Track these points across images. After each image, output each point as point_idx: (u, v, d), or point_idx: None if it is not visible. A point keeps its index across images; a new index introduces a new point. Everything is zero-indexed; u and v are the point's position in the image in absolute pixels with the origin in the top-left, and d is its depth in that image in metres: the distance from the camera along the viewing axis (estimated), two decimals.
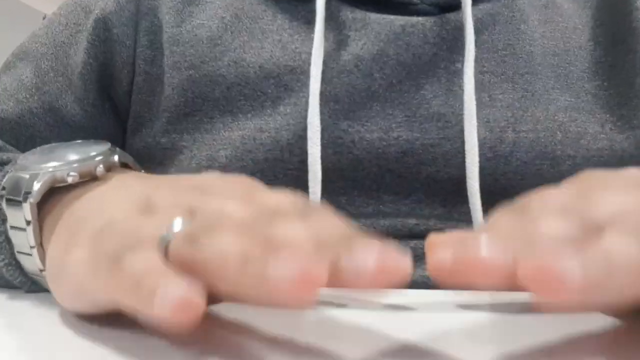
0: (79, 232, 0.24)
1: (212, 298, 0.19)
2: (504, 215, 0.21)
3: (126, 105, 0.45)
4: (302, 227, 0.19)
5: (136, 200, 0.24)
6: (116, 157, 0.30)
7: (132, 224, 0.22)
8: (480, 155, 0.39)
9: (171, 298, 0.17)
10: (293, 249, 0.17)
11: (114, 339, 0.22)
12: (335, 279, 0.17)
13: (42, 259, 0.27)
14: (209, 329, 0.22)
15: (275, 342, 0.21)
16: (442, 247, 0.18)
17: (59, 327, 0.24)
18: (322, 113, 0.39)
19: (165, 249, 0.20)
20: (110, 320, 0.23)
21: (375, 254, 0.17)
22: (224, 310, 0.24)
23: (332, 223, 0.21)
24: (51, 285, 0.25)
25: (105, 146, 0.30)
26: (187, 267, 0.19)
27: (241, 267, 0.17)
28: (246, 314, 0.24)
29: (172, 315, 0.17)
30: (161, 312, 0.17)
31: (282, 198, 0.22)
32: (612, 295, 0.17)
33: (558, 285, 0.15)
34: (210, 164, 0.41)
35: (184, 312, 0.17)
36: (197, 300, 0.17)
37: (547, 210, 0.20)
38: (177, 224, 0.20)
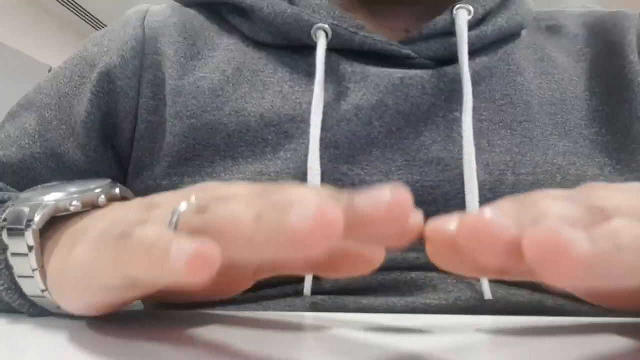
0: (80, 236, 0.24)
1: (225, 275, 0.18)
2: (505, 202, 0.21)
3: (128, 151, 0.46)
4: (309, 191, 0.19)
5: (139, 203, 0.24)
6: (117, 190, 0.31)
7: (137, 214, 0.22)
8: (480, 196, 0.39)
9: (186, 252, 0.16)
10: (306, 197, 0.17)
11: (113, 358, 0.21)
12: (352, 220, 0.16)
13: (44, 279, 0.27)
14: (202, 351, 0.22)
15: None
16: (444, 222, 0.18)
17: (57, 351, 0.23)
18: (322, 158, 0.40)
19: (175, 225, 0.20)
20: (110, 343, 0.23)
21: (387, 191, 0.17)
22: (217, 334, 0.24)
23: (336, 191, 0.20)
24: (54, 291, 0.25)
25: (105, 181, 0.31)
26: (199, 234, 0.18)
27: (255, 223, 0.17)
28: (243, 334, 0.23)
29: (187, 269, 0.16)
30: (176, 267, 0.16)
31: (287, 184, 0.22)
32: (619, 276, 0.16)
33: (564, 257, 0.15)
34: None
35: (199, 265, 0.16)
36: (212, 252, 0.16)
37: (551, 196, 0.20)
38: (184, 204, 0.20)
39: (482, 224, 0.17)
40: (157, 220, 0.20)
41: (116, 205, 0.28)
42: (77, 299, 0.24)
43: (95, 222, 0.25)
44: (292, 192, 0.19)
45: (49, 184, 0.32)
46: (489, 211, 0.17)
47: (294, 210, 0.16)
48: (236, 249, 0.18)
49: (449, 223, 0.18)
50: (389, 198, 0.17)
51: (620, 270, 0.16)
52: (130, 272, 0.19)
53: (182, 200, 0.21)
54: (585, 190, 0.21)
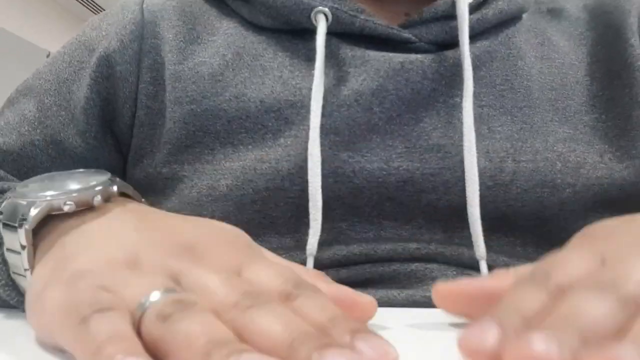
0: (61, 270, 0.24)
1: None
2: (524, 286, 0.21)
3: (128, 138, 0.46)
4: (279, 316, 0.19)
5: (124, 252, 0.24)
6: (115, 188, 0.31)
7: (112, 280, 0.22)
8: (481, 183, 0.39)
9: None
10: (257, 356, 0.17)
11: None
12: None
13: None
14: None
15: None
16: (479, 334, 0.18)
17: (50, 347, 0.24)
18: (322, 144, 0.40)
19: (139, 319, 0.20)
20: None
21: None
22: None
23: (318, 305, 0.21)
24: (27, 312, 0.25)
25: (105, 176, 0.31)
26: (155, 344, 0.19)
27: (206, 354, 0.18)
28: None
29: None
30: None
31: (272, 273, 0.22)
32: None
33: None
34: (211, 193, 0.41)
35: None
36: None
37: (582, 288, 0.19)
38: (155, 296, 0.21)
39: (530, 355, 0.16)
40: (123, 305, 0.21)
41: (107, 232, 0.28)
42: (42, 336, 0.25)
43: (79, 256, 0.25)
44: (262, 319, 0.19)
45: (50, 174, 0.32)
46: (537, 340, 0.16)
47: None
48: None
49: (484, 336, 0.17)
50: None
51: None
52: (76, 354, 0.20)
53: (161, 277, 0.22)
54: (602, 254, 0.21)
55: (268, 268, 0.23)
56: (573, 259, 0.21)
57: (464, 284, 0.26)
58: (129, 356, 0.18)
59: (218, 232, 0.27)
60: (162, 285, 0.21)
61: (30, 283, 0.26)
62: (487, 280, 0.26)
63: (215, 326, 0.19)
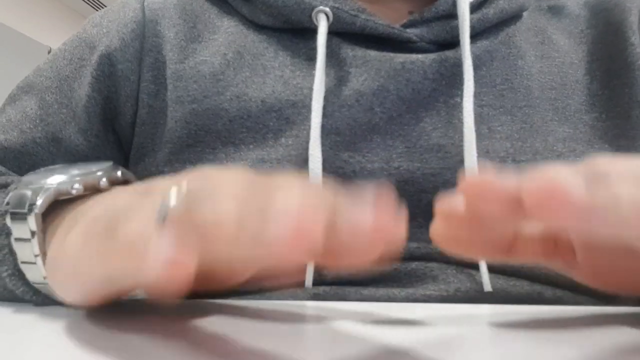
0: (78, 221, 0.24)
1: (210, 280, 0.19)
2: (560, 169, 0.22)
3: (129, 137, 0.46)
4: (299, 195, 0.19)
5: (138, 187, 0.24)
6: (119, 172, 0.31)
7: (129, 203, 0.22)
8: None
9: (162, 258, 0.17)
10: (290, 206, 0.17)
11: (115, 350, 0.21)
12: (333, 237, 0.17)
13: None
14: (205, 341, 0.22)
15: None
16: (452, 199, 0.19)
17: (61, 341, 0.24)
18: (323, 145, 0.40)
19: (163, 219, 0.20)
20: (111, 331, 0.23)
21: (371, 214, 0.17)
22: (219, 323, 0.24)
23: (331, 193, 0.20)
24: (51, 277, 0.25)
25: (107, 164, 0.31)
26: (184, 232, 0.18)
27: (238, 227, 0.17)
28: (244, 327, 0.24)
29: (162, 274, 0.17)
30: (152, 271, 0.17)
31: (278, 176, 0.22)
32: (615, 225, 0.17)
33: (563, 202, 0.15)
34: None
35: (174, 272, 0.17)
36: (188, 260, 0.17)
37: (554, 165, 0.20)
38: (174, 195, 0.20)
39: (485, 183, 0.18)
40: (145, 212, 0.20)
41: (115, 190, 0.28)
42: (69, 290, 0.24)
43: (90, 208, 0.25)
44: (282, 197, 0.19)
45: (52, 166, 0.32)
46: (491, 172, 0.18)
47: (274, 222, 0.16)
48: (217, 252, 0.18)
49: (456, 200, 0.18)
50: (370, 222, 0.17)
51: (616, 220, 0.16)
52: (110, 270, 0.20)
53: (176, 187, 0.21)
54: (590, 162, 0.21)
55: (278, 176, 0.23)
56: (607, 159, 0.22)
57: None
58: (161, 245, 0.17)
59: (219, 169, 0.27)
60: (178, 189, 0.21)
61: (49, 250, 0.26)
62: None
63: (242, 203, 0.18)
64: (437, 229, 0.23)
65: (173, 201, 0.20)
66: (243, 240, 0.17)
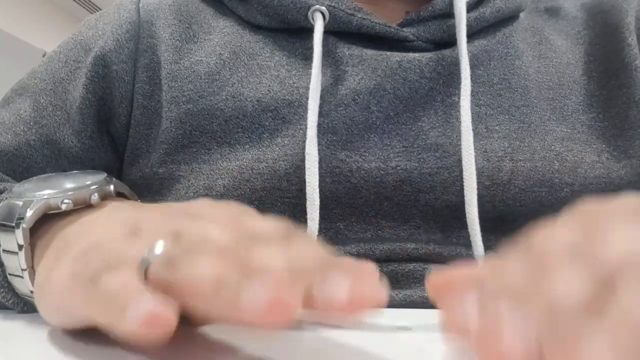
0: (66, 252, 0.24)
1: (191, 319, 0.19)
2: (510, 259, 0.20)
3: (123, 138, 0.46)
4: (280, 253, 0.19)
5: (125, 223, 0.24)
6: (111, 187, 0.30)
7: (115, 246, 0.22)
8: (479, 183, 0.39)
9: (141, 313, 0.17)
10: (267, 275, 0.17)
11: (114, 349, 0.22)
12: (310, 306, 0.17)
13: (33, 281, 0.27)
14: (195, 350, 0.22)
15: None
16: (457, 312, 0.17)
17: (49, 347, 0.24)
18: (319, 144, 0.39)
19: (145, 272, 0.20)
20: (98, 339, 0.23)
21: (348, 283, 0.17)
22: (211, 331, 0.24)
23: (312, 249, 0.21)
24: (37, 302, 0.25)
25: (101, 176, 0.31)
26: (164, 289, 0.19)
27: (215, 290, 0.18)
28: (235, 336, 0.23)
29: (141, 329, 0.17)
30: (131, 326, 0.17)
31: (266, 224, 0.22)
32: None
33: None
34: (208, 193, 0.41)
35: (153, 327, 0.17)
36: (168, 315, 0.17)
37: (557, 258, 0.19)
38: (159, 247, 0.21)
39: (498, 351, 0.15)
40: (130, 262, 0.21)
41: (107, 212, 0.28)
42: (53, 320, 0.24)
43: (81, 238, 0.25)
44: (263, 255, 0.19)
45: (46, 175, 0.32)
46: (507, 329, 0.16)
47: (250, 290, 0.16)
48: (197, 309, 0.18)
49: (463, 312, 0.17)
50: (346, 297, 0.17)
51: None
52: (93, 315, 0.20)
53: (162, 234, 0.22)
54: (588, 226, 0.19)
55: (264, 220, 0.23)
56: (556, 231, 0.21)
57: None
58: (141, 300, 0.17)
59: (216, 202, 0.27)
60: (165, 239, 0.21)
61: (37, 273, 0.26)
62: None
63: (222, 264, 0.19)
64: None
65: (157, 252, 0.20)
66: (219, 302, 0.17)
